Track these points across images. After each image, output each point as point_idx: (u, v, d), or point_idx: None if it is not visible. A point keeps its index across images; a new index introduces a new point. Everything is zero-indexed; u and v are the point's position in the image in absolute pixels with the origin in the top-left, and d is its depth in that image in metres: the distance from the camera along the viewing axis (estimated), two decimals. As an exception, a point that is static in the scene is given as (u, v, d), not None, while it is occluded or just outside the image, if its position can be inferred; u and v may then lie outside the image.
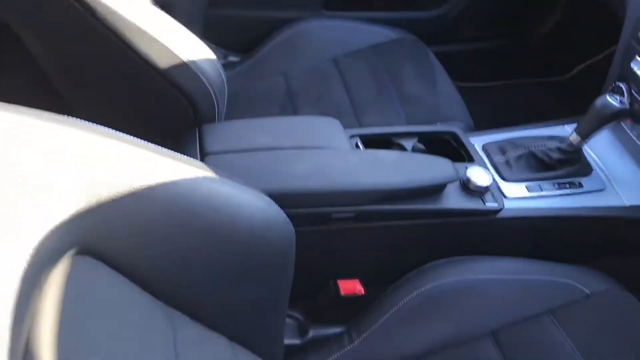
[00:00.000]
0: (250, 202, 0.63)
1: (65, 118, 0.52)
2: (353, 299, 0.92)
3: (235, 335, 0.71)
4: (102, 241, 0.52)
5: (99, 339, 0.50)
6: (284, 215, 0.64)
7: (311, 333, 0.94)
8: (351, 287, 0.91)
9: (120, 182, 0.53)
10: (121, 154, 0.54)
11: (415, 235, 0.92)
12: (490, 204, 0.90)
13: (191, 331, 0.64)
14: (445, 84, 1.27)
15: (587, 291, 0.87)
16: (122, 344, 0.53)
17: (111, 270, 0.54)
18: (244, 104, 1.21)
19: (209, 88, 0.86)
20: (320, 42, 1.33)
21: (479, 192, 0.91)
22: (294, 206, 0.75)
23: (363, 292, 0.92)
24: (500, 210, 0.91)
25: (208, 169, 0.62)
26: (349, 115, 1.17)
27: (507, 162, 0.98)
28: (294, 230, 0.66)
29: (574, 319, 0.85)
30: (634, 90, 0.99)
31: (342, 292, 0.90)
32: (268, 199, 0.65)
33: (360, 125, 1.15)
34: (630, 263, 1.02)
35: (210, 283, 0.62)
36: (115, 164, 0.53)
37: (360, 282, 0.93)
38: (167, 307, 0.61)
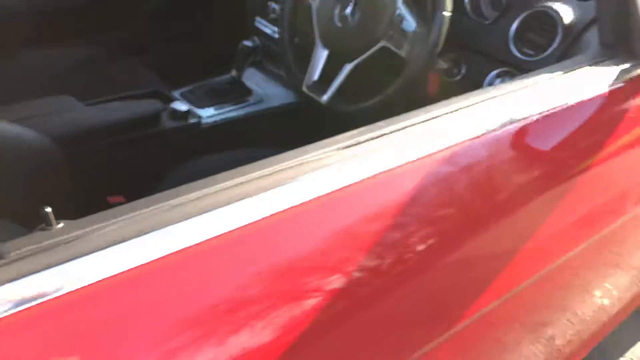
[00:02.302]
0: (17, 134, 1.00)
1: None
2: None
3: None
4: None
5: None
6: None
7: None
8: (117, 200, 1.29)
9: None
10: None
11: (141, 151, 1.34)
12: (193, 120, 1.38)
13: None
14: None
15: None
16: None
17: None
18: None
19: None
20: None
21: (183, 116, 1.38)
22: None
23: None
24: (200, 123, 1.39)
25: None
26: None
27: (195, 94, 1.47)
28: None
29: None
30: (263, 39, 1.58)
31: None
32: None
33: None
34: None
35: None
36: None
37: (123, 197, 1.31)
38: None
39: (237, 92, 1.52)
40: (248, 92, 1.53)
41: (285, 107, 1.51)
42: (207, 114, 1.43)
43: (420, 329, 0.72)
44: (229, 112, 1.46)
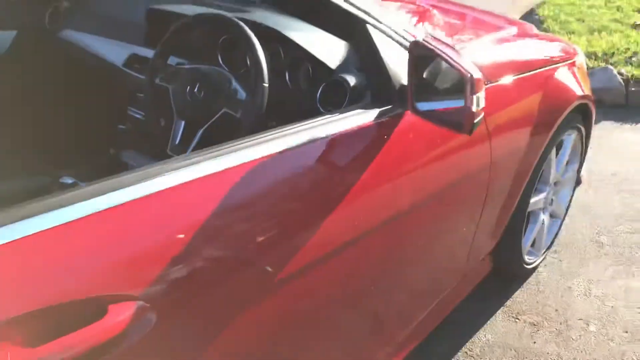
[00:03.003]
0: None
1: None
2: None
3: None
4: None
5: None
6: None
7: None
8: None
9: None
10: None
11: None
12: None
13: None
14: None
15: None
16: None
17: None
18: None
19: None
20: None
21: (69, 188, 1.65)
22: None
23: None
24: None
25: None
26: None
27: (79, 171, 1.75)
28: None
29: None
30: (136, 123, 1.91)
31: None
32: None
33: None
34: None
35: None
36: None
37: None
38: None
39: (116, 168, 1.82)
40: (125, 166, 1.84)
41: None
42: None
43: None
44: (110, 183, 1.75)
